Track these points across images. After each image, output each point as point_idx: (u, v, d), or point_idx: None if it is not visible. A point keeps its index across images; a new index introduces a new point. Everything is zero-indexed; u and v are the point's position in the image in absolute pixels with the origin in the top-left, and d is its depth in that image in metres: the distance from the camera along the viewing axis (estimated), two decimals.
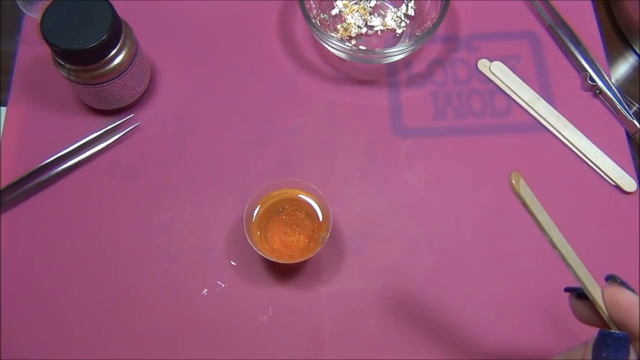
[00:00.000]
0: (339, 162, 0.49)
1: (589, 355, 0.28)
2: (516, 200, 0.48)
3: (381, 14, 0.55)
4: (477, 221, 0.47)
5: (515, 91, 0.52)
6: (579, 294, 0.31)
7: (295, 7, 0.54)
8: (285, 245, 0.44)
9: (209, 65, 0.53)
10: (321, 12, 0.54)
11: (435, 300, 0.45)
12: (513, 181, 0.28)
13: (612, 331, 0.28)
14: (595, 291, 0.30)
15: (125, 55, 0.46)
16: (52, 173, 0.48)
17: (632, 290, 0.29)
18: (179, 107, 0.51)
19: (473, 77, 0.53)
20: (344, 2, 0.55)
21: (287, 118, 0.51)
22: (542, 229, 0.29)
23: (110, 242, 0.47)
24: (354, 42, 0.54)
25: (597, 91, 0.51)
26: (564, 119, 0.50)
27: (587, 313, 0.31)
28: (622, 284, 0.29)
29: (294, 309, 0.44)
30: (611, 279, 0.30)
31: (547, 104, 0.51)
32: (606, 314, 0.29)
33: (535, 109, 0.51)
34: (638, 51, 0.55)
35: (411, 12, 0.54)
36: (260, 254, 0.42)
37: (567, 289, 0.32)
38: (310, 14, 0.51)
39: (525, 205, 0.29)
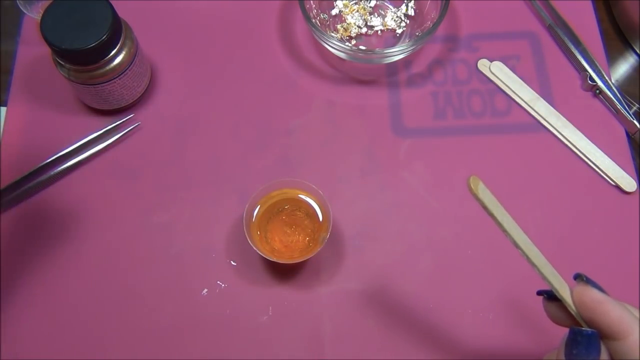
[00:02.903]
0: (339, 162, 0.49)
1: (562, 355, 0.28)
2: (516, 199, 0.48)
3: (381, 14, 0.55)
4: (477, 221, 0.47)
5: (515, 91, 0.52)
6: (550, 295, 0.31)
7: (295, 7, 0.54)
8: (285, 245, 0.44)
9: (209, 65, 0.53)
10: (321, 12, 0.54)
11: (435, 300, 0.45)
12: (472, 185, 0.28)
13: (582, 328, 0.28)
14: (563, 289, 0.30)
15: (125, 55, 0.46)
16: (52, 173, 0.48)
17: (599, 287, 0.29)
18: (179, 107, 0.51)
19: (473, 77, 0.53)
20: (344, 2, 0.55)
21: (287, 118, 0.51)
22: (504, 230, 0.29)
23: (110, 242, 0.47)
24: (354, 42, 0.54)
25: (597, 91, 0.51)
26: (564, 119, 0.50)
27: (559, 314, 0.31)
28: (588, 281, 0.29)
29: (294, 309, 0.45)
30: (578, 277, 0.30)
31: (547, 104, 0.51)
32: (574, 310, 0.29)
33: (535, 109, 0.51)
34: (638, 51, 0.55)
35: (411, 12, 0.54)
36: (260, 254, 0.42)
37: (539, 292, 0.32)
38: (310, 14, 0.51)
39: (484, 208, 0.29)
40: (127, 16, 0.48)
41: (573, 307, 0.29)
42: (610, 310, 0.28)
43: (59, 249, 0.46)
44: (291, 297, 0.45)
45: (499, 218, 0.29)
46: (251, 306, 0.45)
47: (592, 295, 0.29)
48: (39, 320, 0.44)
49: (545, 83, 0.52)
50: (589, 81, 0.51)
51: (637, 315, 0.28)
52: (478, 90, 0.52)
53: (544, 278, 0.30)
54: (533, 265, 0.30)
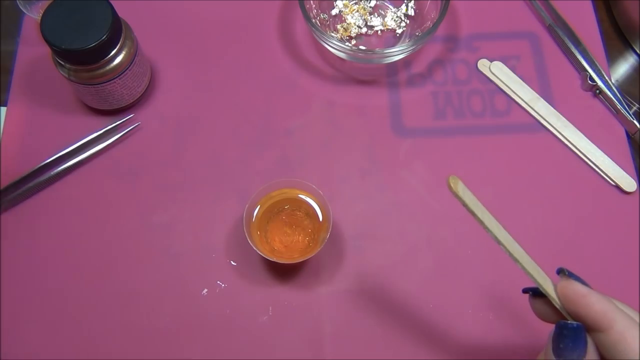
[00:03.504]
0: (339, 162, 0.49)
1: (550, 350, 0.28)
2: (517, 199, 0.48)
3: (381, 14, 0.55)
4: None
5: (515, 91, 0.52)
6: (535, 293, 0.31)
7: (295, 7, 0.54)
8: (285, 246, 0.44)
9: (209, 65, 0.53)
10: (321, 12, 0.54)
11: (435, 300, 0.45)
12: (451, 184, 0.29)
13: (567, 322, 0.29)
14: (546, 285, 0.30)
15: (125, 55, 0.46)
16: (52, 173, 0.48)
17: (582, 281, 0.29)
18: (179, 107, 0.51)
19: (473, 77, 0.53)
20: (344, 2, 0.55)
21: (287, 118, 0.51)
22: (485, 228, 0.30)
23: (110, 242, 0.47)
24: (354, 42, 0.54)
25: (597, 91, 0.51)
26: (564, 119, 0.50)
27: (546, 310, 0.31)
28: (571, 275, 0.30)
29: (294, 309, 0.45)
30: (561, 272, 0.30)
31: (547, 104, 0.51)
32: (559, 304, 0.30)
33: (535, 109, 0.51)
34: (638, 51, 0.55)
35: (411, 12, 0.54)
36: (260, 254, 0.42)
37: (524, 290, 0.33)
38: (310, 14, 0.51)
39: (465, 206, 0.29)
40: (127, 16, 0.48)
41: (557, 301, 0.30)
42: (594, 302, 0.28)
43: (59, 249, 0.46)
44: (291, 297, 0.45)
45: (480, 215, 0.30)
46: (251, 306, 0.45)
47: (574, 288, 0.29)
48: (39, 320, 0.44)
49: (545, 83, 0.52)
50: (589, 81, 0.51)
51: (621, 308, 0.28)
52: (478, 90, 0.52)
53: (528, 273, 0.30)
54: (516, 261, 0.30)
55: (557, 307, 0.30)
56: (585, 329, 0.28)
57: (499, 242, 0.30)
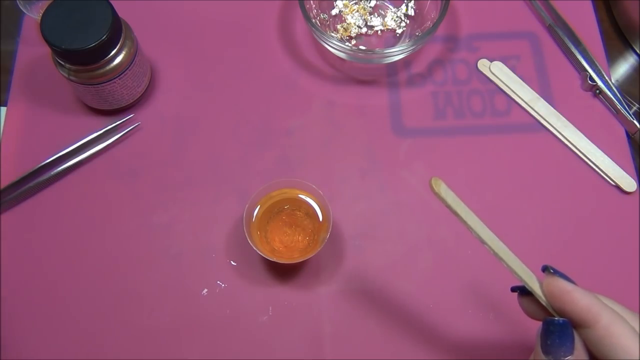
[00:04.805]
0: (339, 162, 0.49)
1: (539, 347, 0.29)
2: (517, 199, 0.48)
3: (381, 14, 0.55)
4: None
5: (515, 91, 0.52)
6: (522, 291, 0.32)
7: (295, 7, 0.54)
8: (285, 246, 0.44)
9: (209, 65, 0.53)
10: (321, 12, 0.54)
11: (435, 300, 0.45)
12: (434, 185, 0.29)
13: (554, 318, 0.29)
14: (532, 282, 0.30)
15: (125, 55, 0.46)
16: (52, 173, 0.48)
17: (567, 278, 0.30)
18: (179, 107, 0.51)
19: (473, 77, 0.53)
20: (344, 2, 0.55)
21: (287, 118, 0.51)
22: (469, 228, 0.30)
23: (110, 242, 0.47)
24: (354, 42, 0.54)
25: (597, 91, 0.51)
26: (564, 119, 0.50)
27: (533, 307, 0.31)
28: (556, 272, 0.30)
29: (294, 309, 0.45)
30: (546, 269, 0.30)
31: (547, 104, 0.51)
32: (545, 301, 0.30)
33: (535, 109, 0.51)
34: (638, 51, 0.55)
35: (411, 12, 0.54)
36: (260, 254, 0.42)
37: (512, 289, 0.33)
38: (310, 14, 0.51)
39: (448, 207, 0.30)
40: (127, 16, 0.48)
41: (543, 298, 0.30)
42: (579, 298, 0.28)
43: (59, 249, 0.46)
44: (291, 297, 0.45)
45: (463, 216, 0.30)
46: (251, 306, 0.45)
47: (559, 285, 0.29)
48: (39, 320, 0.44)
49: (545, 83, 0.52)
50: (589, 81, 0.51)
51: (606, 303, 0.29)
52: (478, 90, 0.52)
53: (513, 272, 0.30)
54: (500, 260, 0.30)
55: (544, 304, 0.30)
56: (571, 325, 0.28)
57: (483, 242, 0.30)
